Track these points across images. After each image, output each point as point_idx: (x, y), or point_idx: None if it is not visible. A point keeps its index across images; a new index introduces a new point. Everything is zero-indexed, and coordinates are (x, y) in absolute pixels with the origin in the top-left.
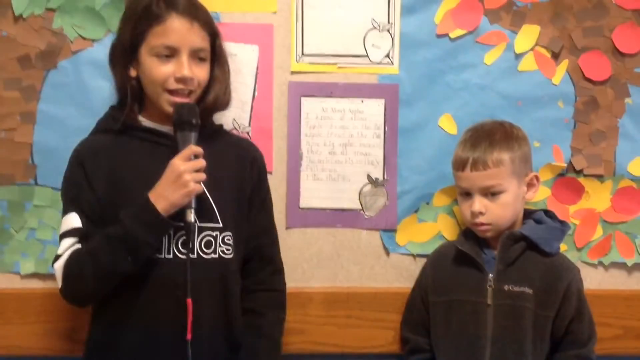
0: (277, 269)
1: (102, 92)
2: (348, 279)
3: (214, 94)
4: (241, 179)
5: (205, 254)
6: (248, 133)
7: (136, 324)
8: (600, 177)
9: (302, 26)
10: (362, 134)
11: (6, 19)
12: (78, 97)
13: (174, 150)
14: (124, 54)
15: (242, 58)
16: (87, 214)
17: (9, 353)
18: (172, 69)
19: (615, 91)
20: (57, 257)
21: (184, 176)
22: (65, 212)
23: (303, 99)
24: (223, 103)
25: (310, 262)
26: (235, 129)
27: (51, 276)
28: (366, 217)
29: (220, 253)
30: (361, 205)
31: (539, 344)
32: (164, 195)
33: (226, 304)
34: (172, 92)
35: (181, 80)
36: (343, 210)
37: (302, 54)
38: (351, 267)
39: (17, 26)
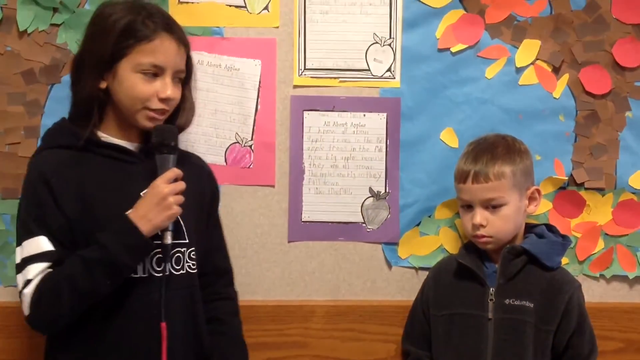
0: (230, 280)
1: None
2: (350, 292)
3: (185, 115)
4: (200, 194)
5: (176, 270)
6: (250, 147)
7: (113, 346)
8: (601, 191)
9: (305, 41)
10: (364, 147)
11: (11, 35)
12: None
13: (141, 167)
14: (97, 66)
15: (244, 72)
16: (56, 237)
17: None
18: (156, 88)
19: (616, 105)
20: (28, 281)
21: (168, 199)
22: (27, 234)
23: (305, 113)
24: (189, 122)
25: (312, 276)
26: (238, 142)
27: None
28: (368, 230)
29: (187, 268)
30: (363, 218)
31: (539, 358)
32: (148, 218)
33: (195, 317)
34: (151, 110)
35: (164, 100)
36: (345, 223)
37: (305, 68)
38: (353, 280)
39: (22, 41)
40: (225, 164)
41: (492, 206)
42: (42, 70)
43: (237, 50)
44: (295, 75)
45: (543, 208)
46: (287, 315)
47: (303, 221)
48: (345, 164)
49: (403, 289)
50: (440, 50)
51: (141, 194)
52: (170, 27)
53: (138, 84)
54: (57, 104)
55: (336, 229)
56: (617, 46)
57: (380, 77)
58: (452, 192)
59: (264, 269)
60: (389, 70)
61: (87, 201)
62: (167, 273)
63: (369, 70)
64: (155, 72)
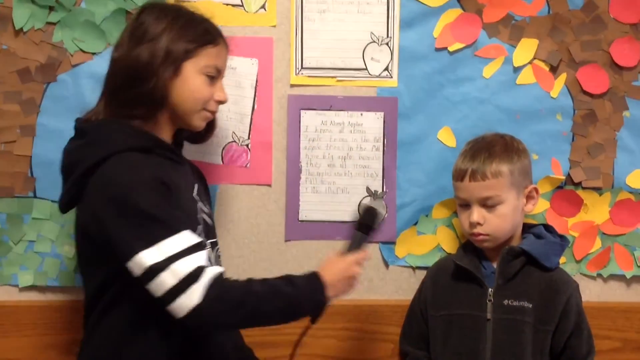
0: None
1: None
2: None
3: (216, 121)
4: (206, 191)
5: None
6: (247, 146)
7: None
8: (598, 190)
9: (302, 40)
10: (361, 146)
11: (7, 33)
12: (77, 111)
13: (185, 169)
14: (171, 64)
15: (241, 71)
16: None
17: None
18: (214, 90)
19: (614, 104)
20: (199, 268)
21: (356, 279)
22: (165, 234)
23: (302, 112)
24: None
25: None
26: (235, 141)
27: (50, 289)
28: None
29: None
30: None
31: (538, 358)
32: (336, 287)
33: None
34: (208, 111)
35: (221, 103)
36: (342, 222)
37: (302, 67)
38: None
39: (18, 40)
40: (222, 163)
41: (489, 204)
42: (38, 68)
43: (234, 49)
44: (292, 74)
45: (540, 207)
46: None
47: (300, 220)
48: (342, 163)
49: (400, 288)
50: (437, 49)
51: (331, 259)
52: (221, 33)
53: (202, 85)
54: (53, 103)
55: (333, 228)
56: (614, 45)
57: (378, 77)
58: (450, 191)
59: (261, 268)
60: (386, 69)
61: (181, 204)
62: None
63: (366, 69)
64: (215, 75)
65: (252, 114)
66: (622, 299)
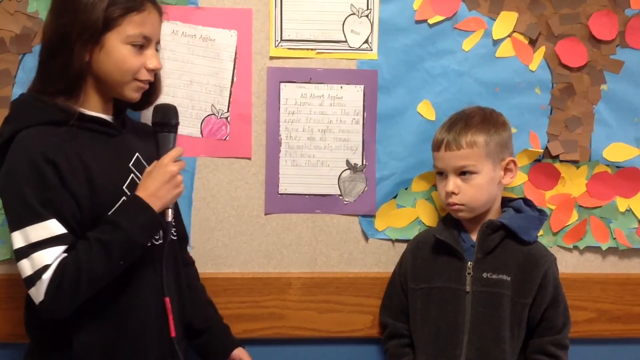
0: (187, 246)
1: None
2: (327, 264)
3: (159, 86)
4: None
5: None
6: (227, 118)
7: (122, 322)
8: (575, 163)
9: (281, 11)
10: (341, 119)
11: None
12: None
13: (122, 139)
14: (87, 37)
15: (220, 43)
16: (66, 218)
17: None
18: (144, 59)
19: (592, 78)
20: (45, 267)
21: (177, 177)
22: (33, 218)
23: (282, 85)
24: (159, 94)
25: (289, 248)
26: (214, 114)
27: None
28: (345, 202)
29: (172, 235)
30: (340, 190)
31: (516, 330)
32: (158, 196)
33: (180, 285)
34: (140, 81)
35: (151, 71)
36: (322, 195)
37: (281, 39)
38: (330, 252)
39: None
40: (201, 135)
41: (464, 174)
42: (13, 39)
43: (213, 21)
44: (271, 46)
45: (518, 180)
46: (264, 287)
47: (280, 194)
48: (322, 136)
49: (379, 260)
50: (417, 22)
51: (146, 170)
52: None
53: (128, 55)
54: (29, 74)
55: (313, 201)
56: (593, 19)
57: (358, 49)
58: (429, 164)
59: (241, 241)
60: (366, 42)
61: (90, 178)
62: (166, 250)
63: (346, 41)
64: (142, 44)
65: (231, 86)
66: (598, 271)
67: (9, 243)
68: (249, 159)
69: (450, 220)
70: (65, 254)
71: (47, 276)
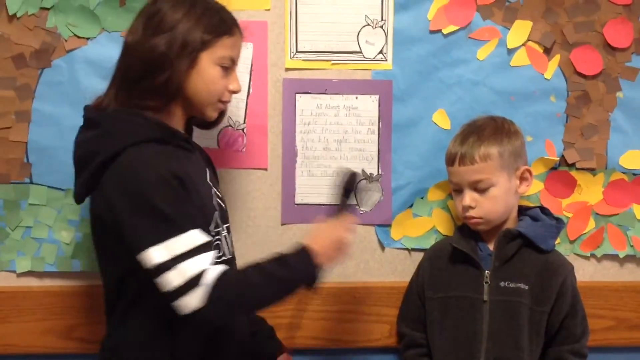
0: None
1: (96, 91)
2: (343, 273)
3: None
4: (216, 175)
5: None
6: (243, 130)
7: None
8: (592, 171)
9: (296, 23)
10: (356, 130)
11: (0, 19)
12: (73, 96)
13: (197, 156)
14: (188, 55)
15: None
16: (203, 229)
17: (6, 352)
18: (228, 81)
19: (607, 85)
20: (200, 274)
21: (347, 247)
22: (174, 231)
23: (297, 96)
24: None
25: None
26: (231, 126)
27: (47, 274)
28: (361, 212)
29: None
30: (356, 200)
31: (534, 339)
32: (327, 255)
33: None
34: (222, 102)
35: (234, 93)
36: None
37: (296, 50)
38: (346, 262)
39: (12, 25)
40: (218, 147)
41: (480, 188)
42: (33, 54)
43: None
44: (287, 58)
45: (534, 188)
46: None
47: (296, 204)
48: (337, 146)
49: (396, 270)
50: (432, 32)
51: (321, 224)
52: (237, 22)
53: (217, 76)
54: (48, 88)
55: (329, 211)
56: (608, 27)
57: (372, 60)
58: (445, 173)
59: (258, 251)
60: (380, 52)
61: (198, 194)
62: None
63: (360, 52)
64: (229, 66)
65: (247, 98)
66: (615, 279)
67: (30, 255)
68: (266, 169)
69: (467, 229)
70: (225, 266)
71: (207, 281)
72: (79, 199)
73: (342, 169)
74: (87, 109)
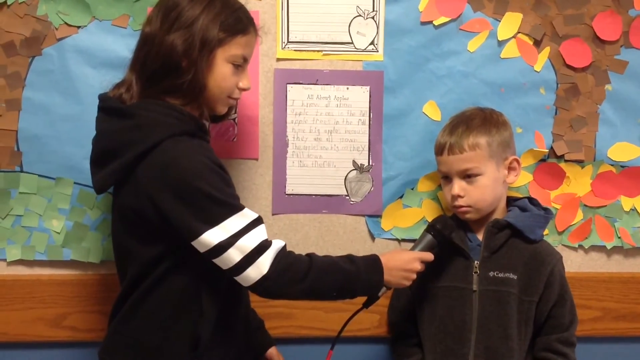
0: None
1: (87, 79)
2: None
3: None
4: None
5: None
6: (234, 120)
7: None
8: (580, 163)
9: (288, 13)
10: (347, 120)
11: None
12: (63, 84)
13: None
14: (207, 52)
15: None
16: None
17: None
18: (239, 79)
19: (596, 78)
20: (263, 244)
21: (413, 274)
22: (229, 212)
23: (289, 86)
24: None
25: (296, 248)
26: None
27: (37, 263)
28: (351, 203)
29: None
30: (347, 191)
31: (523, 328)
32: (393, 275)
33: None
34: (232, 98)
35: (244, 90)
36: (329, 196)
37: (288, 41)
38: (337, 252)
39: (2, 13)
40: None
41: (468, 176)
42: (23, 42)
43: None
44: (278, 48)
45: (523, 180)
46: None
47: (287, 194)
48: (328, 137)
49: None
50: (422, 23)
51: (398, 250)
52: (254, 21)
53: (229, 74)
54: (39, 77)
55: (320, 201)
56: (597, 20)
57: (364, 51)
58: (435, 164)
59: None
60: (372, 43)
61: (231, 183)
62: None
63: (352, 43)
64: (241, 64)
65: None
66: (603, 270)
67: (20, 244)
68: (256, 159)
69: (456, 220)
70: (282, 241)
71: (272, 251)
72: (102, 189)
73: (439, 217)
74: (109, 99)
